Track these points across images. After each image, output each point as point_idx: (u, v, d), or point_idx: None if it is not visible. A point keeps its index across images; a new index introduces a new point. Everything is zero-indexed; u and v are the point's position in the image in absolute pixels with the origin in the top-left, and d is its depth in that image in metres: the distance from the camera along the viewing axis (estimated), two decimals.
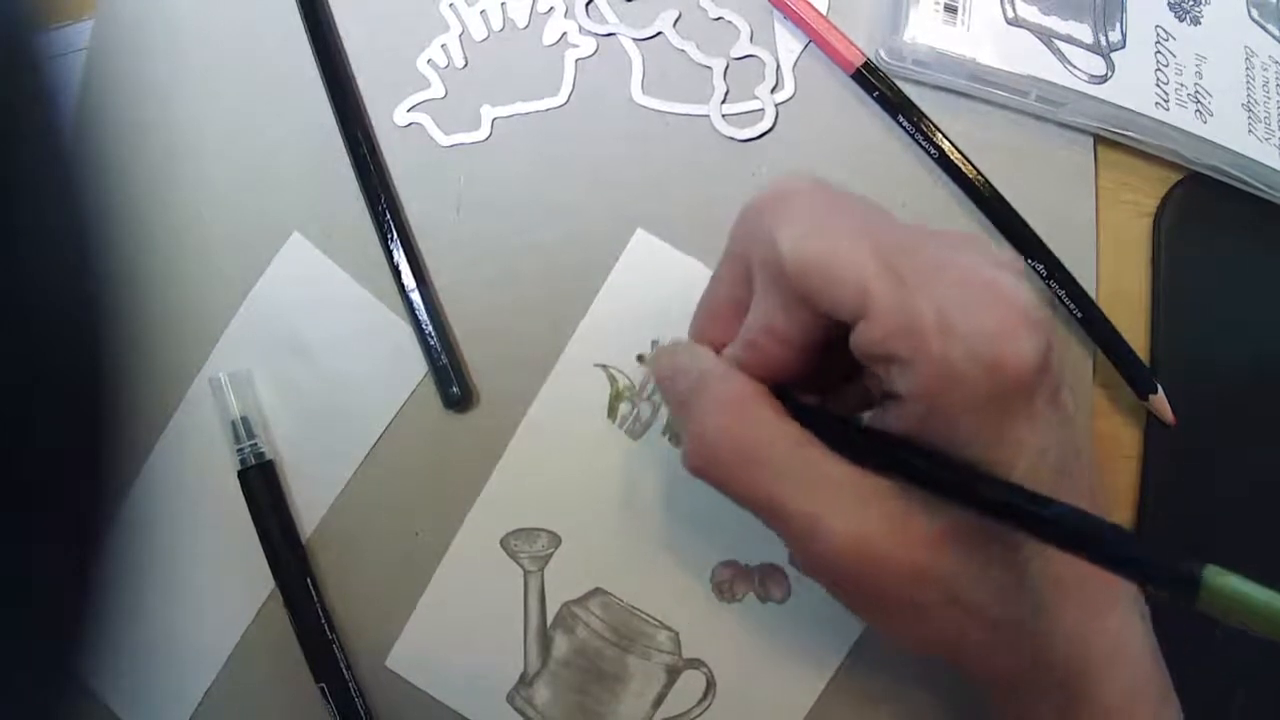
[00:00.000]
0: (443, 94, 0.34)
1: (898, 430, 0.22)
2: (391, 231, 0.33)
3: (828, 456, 0.22)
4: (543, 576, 0.32)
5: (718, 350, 0.25)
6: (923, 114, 0.32)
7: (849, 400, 0.25)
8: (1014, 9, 0.33)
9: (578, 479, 0.32)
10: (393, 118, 0.34)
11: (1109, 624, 0.22)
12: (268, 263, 0.34)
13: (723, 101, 0.34)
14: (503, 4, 0.35)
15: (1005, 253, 0.24)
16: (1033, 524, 0.19)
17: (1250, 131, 0.33)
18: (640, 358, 0.30)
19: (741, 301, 0.24)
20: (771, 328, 0.23)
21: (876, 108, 0.33)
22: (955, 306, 0.20)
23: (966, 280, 0.20)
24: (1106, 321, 0.31)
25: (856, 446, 0.22)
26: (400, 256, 0.33)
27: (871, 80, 0.33)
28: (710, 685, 0.31)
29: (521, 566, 0.32)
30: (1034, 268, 0.32)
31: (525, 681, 0.31)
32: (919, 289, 0.20)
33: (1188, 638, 0.30)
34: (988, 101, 0.33)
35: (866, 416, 0.24)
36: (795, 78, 0.34)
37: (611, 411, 0.32)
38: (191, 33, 0.36)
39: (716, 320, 0.26)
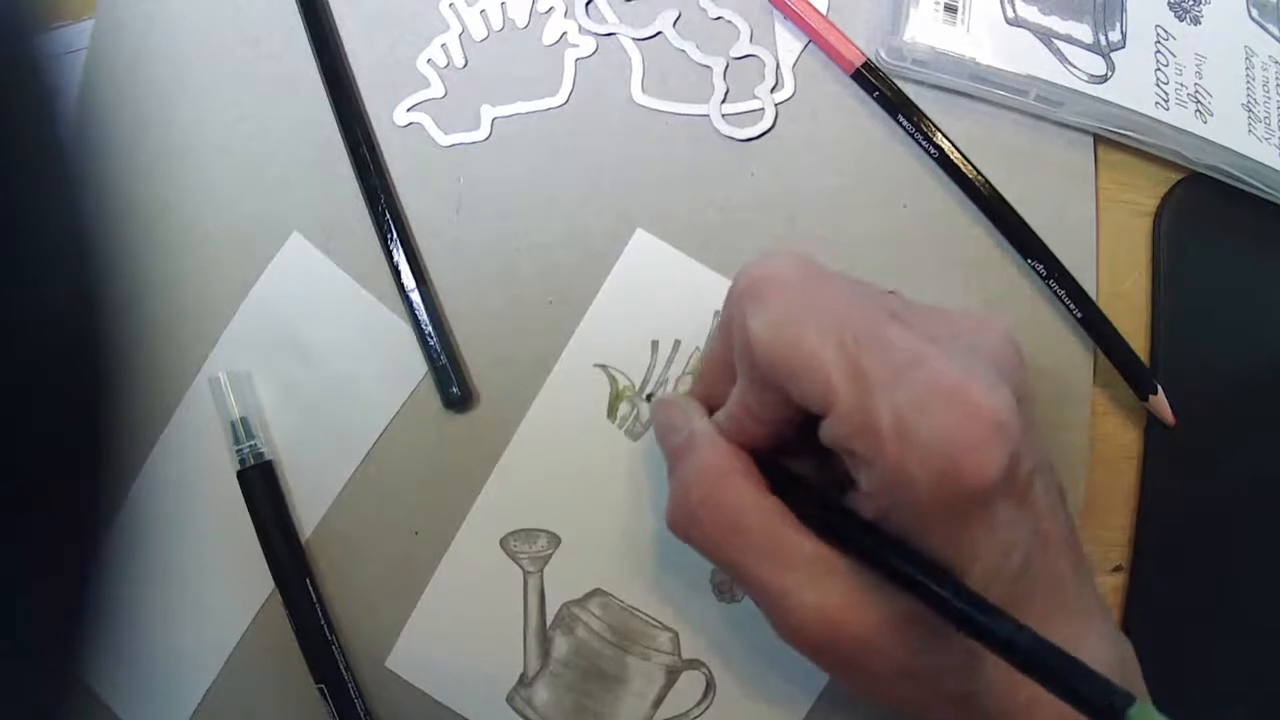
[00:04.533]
0: (443, 94, 0.34)
1: (864, 514, 0.22)
2: (391, 231, 0.33)
3: (798, 532, 0.23)
4: (542, 577, 0.32)
5: (713, 409, 0.26)
6: (923, 114, 0.32)
7: (838, 467, 0.26)
8: (1014, 9, 0.33)
9: (577, 479, 0.32)
10: (393, 118, 0.34)
11: None
12: (268, 263, 0.34)
13: (722, 101, 0.34)
14: (503, 4, 0.35)
15: (993, 333, 0.23)
16: (972, 631, 0.20)
17: (1250, 131, 0.33)
18: (648, 398, 0.32)
19: (732, 366, 0.24)
20: (747, 406, 0.23)
21: (876, 108, 0.33)
22: (917, 411, 0.20)
23: (935, 383, 0.20)
24: (1106, 321, 0.31)
25: (825, 525, 0.23)
26: (400, 256, 0.33)
27: (871, 80, 0.33)
28: (710, 686, 0.31)
29: (521, 567, 0.32)
30: (1034, 268, 0.32)
31: (525, 682, 0.31)
32: (882, 389, 0.20)
33: (1181, 657, 0.30)
34: (988, 101, 0.33)
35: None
36: (795, 77, 0.34)
37: (611, 411, 0.32)
38: (191, 33, 0.36)
39: (711, 381, 0.26)
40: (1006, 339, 0.23)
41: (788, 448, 0.24)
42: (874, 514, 0.22)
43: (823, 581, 0.22)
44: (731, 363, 0.24)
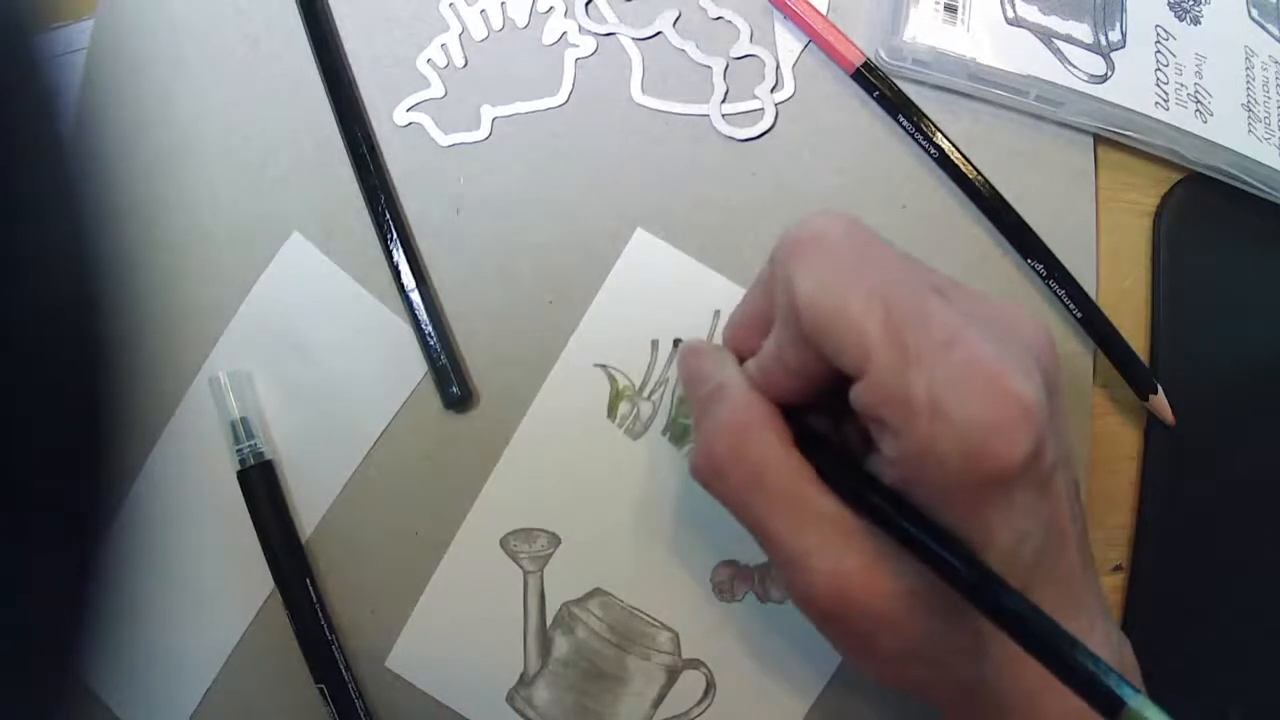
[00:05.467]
0: (443, 94, 0.34)
1: (885, 481, 0.22)
2: (391, 231, 0.33)
3: (820, 492, 0.23)
4: (542, 576, 0.32)
5: (744, 358, 0.26)
6: (923, 114, 0.32)
7: (855, 430, 0.26)
8: (1014, 9, 0.33)
9: (577, 479, 0.32)
10: (393, 118, 0.34)
11: None
12: (268, 263, 0.34)
13: (723, 101, 0.34)
14: (503, 4, 0.35)
15: (1030, 323, 0.23)
16: (986, 607, 0.20)
17: (1250, 131, 0.33)
18: (676, 343, 0.32)
19: (769, 319, 0.24)
20: (783, 359, 0.23)
21: (876, 108, 0.33)
22: (951, 389, 0.20)
23: (971, 363, 0.20)
24: (1106, 321, 0.31)
25: (847, 487, 0.23)
26: (400, 256, 0.33)
27: (871, 80, 0.33)
28: (710, 685, 0.31)
29: (521, 566, 0.32)
30: (1034, 268, 0.32)
31: (525, 682, 0.31)
32: (920, 364, 0.20)
33: (1181, 657, 0.30)
34: (988, 101, 0.33)
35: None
36: (795, 77, 0.34)
37: (611, 411, 0.32)
38: (191, 33, 0.36)
39: (746, 330, 0.26)
40: (1043, 331, 0.23)
41: (808, 404, 0.24)
42: (894, 483, 0.22)
43: (839, 544, 0.22)
44: (768, 315, 0.24)
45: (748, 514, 0.24)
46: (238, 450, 0.32)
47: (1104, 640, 0.23)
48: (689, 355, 0.27)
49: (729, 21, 0.34)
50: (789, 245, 0.23)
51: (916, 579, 0.22)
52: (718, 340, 0.32)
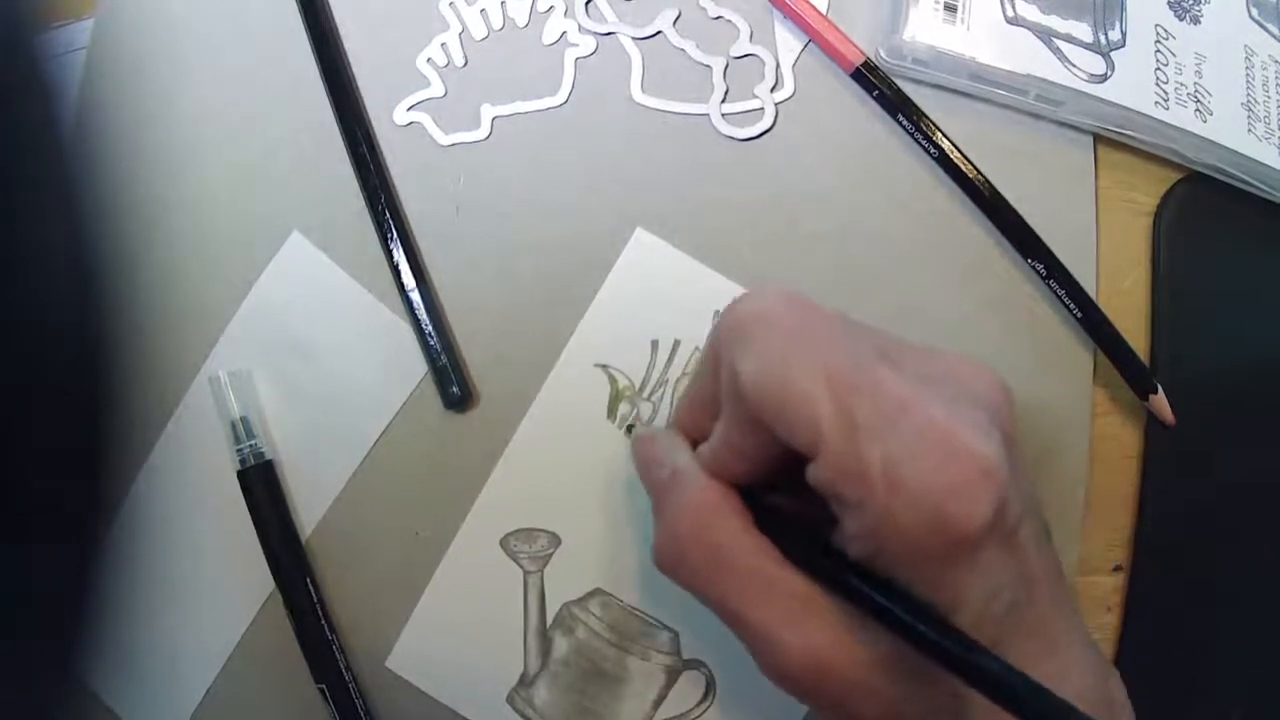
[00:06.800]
0: (442, 93, 0.34)
1: (851, 554, 0.22)
2: (391, 231, 0.33)
3: (784, 568, 0.23)
4: (542, 577, 0.32)
5: (696, 442, 0.25)
6: (922, 113, 0.32)
7: (819, 502, 0.26)
8: (1014, 8, 0.33)
9: (578, 479, 0.32)
10: (393, 117, 0.34)
11: None
12: (267, 262, 0.34)
13: (722, 101, 0.34)
14: (502, 3, 0.35)
15: (982, 375, 0.23)
16: (960, 671, 0.20)
17: (1250, 131, 0.33)
18: (629, 429, 0.32)
19: (717, 400, 0.24)
20: (731, 442, 0.23)
21: (876, 107, 0.33)
22: (906, 457, 0.20)
23: (925, 428, 0.20)
24: (1106, 321, 0.31)
25: (812, 562, 0.23)
26: (400, 256, 0.33)
27: (871, 79, 0.33)
28: (710, 686, 0.31)
29: (521, 567, 0.32)
30: (1034, 268, 0.32)
31: (525, 682, 0.31)
32: (872, 435, 0.20)
33: (1181, 657, 0.30)
34: (988, 101, 0.33)
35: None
36: (795, 77, 0.34)
37: (611, 411, 0.32)
38: (191, 32, 0.36)
39: (696, 413, 0.26)
40: (995, 380, 0.23)
41: (769, 481, 0.24)
42: (859, 555, 0.22)
43: (810, 621, 0.22)
44: (717, 396, 0.24)
45: (714, 596, 0.23)
46: (238, 450, 0.32)
47: (1083, 679, 0.23)
48: (641, 443, 0.27)
49: (729, 21, 0.34)
50: (728, 327, 0.23)
51: (889, 645, 0.21)
52: None
